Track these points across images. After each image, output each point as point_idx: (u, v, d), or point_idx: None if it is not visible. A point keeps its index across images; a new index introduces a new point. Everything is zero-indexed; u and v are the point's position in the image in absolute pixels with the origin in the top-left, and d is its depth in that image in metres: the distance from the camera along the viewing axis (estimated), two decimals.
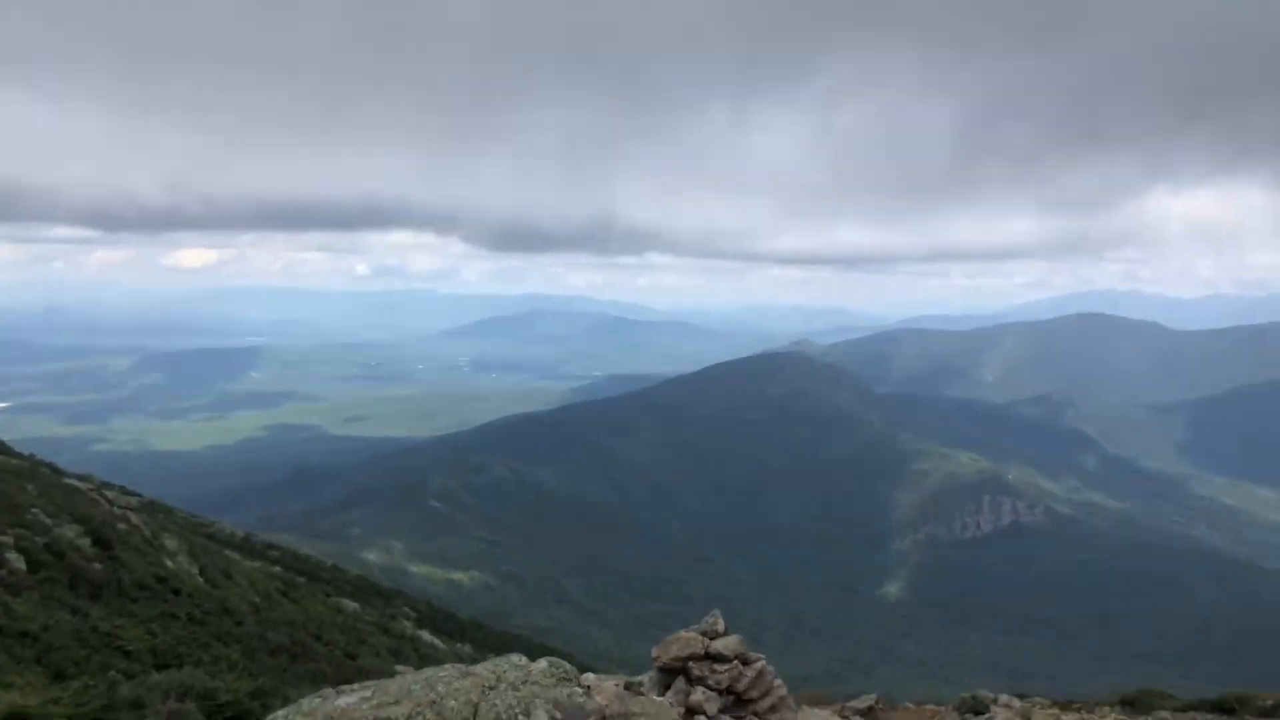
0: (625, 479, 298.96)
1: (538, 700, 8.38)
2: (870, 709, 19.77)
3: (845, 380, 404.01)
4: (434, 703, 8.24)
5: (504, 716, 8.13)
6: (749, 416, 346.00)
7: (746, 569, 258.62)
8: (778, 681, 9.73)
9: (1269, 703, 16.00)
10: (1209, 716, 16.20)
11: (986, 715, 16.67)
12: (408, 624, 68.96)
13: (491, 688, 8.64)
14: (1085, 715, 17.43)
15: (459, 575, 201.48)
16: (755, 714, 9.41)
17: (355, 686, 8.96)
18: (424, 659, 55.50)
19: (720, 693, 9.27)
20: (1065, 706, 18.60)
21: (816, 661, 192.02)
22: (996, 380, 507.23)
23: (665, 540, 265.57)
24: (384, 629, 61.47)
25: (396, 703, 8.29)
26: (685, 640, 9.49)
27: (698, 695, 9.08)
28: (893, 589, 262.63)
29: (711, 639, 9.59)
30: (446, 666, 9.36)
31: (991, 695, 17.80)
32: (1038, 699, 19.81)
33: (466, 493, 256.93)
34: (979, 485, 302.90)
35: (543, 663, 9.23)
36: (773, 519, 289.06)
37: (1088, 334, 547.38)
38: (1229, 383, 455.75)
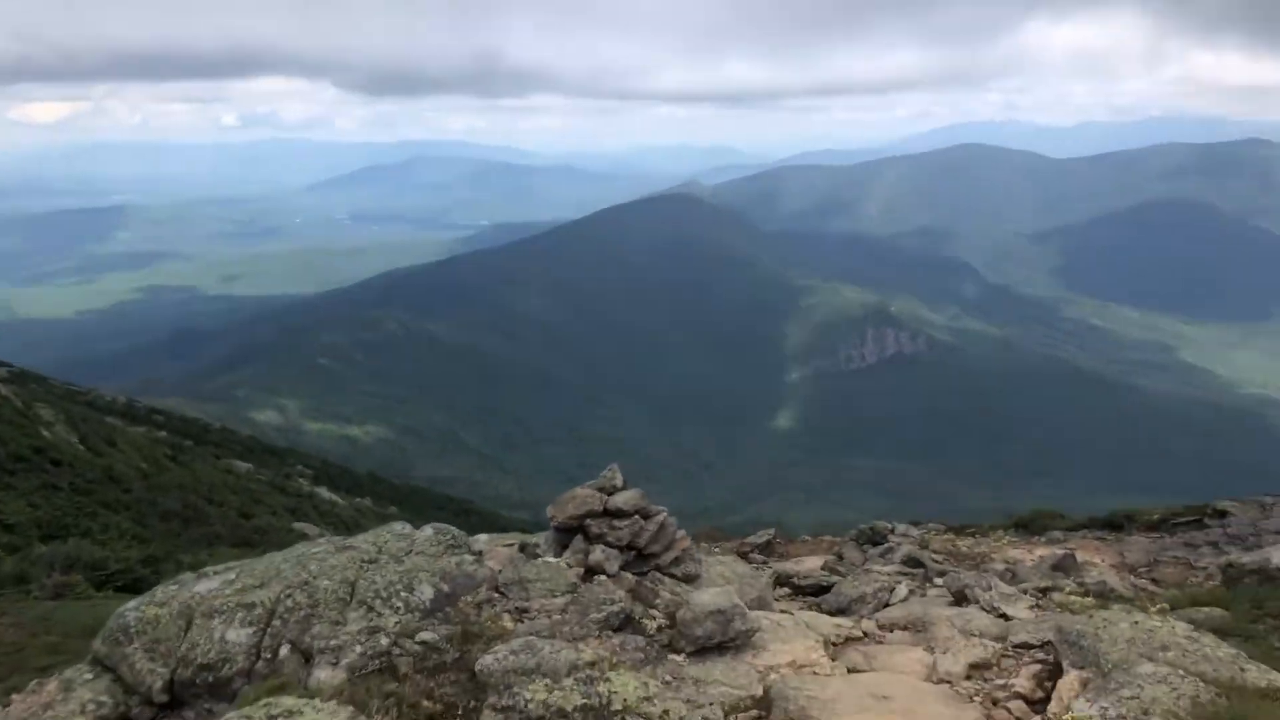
0: (516, 328, 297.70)
1: (422, 574, 7.68)
2: (769, 543, 19.80)
3: (733, 220, 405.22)
4: (305, 584, 7.47)
5: (384, 594, 7.41)
6: (638, 260, 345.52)
7: (641, 410, 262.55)
8: (680, 533, 9.19)
9: (1155, 517, 16.43)
10: (1098, 533, 16.59)
11: (884, 545, 16.78)
12: (304, 481, 68.35)
13: (371, 562, 7.90)
14: (980, 539, 17.71)
15: (355, 431, 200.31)
16: (658, 568, 8.89)
17: (218, 568, 8.13)
18: (323, 515, 55.04)
19: (621, 549, 8.69)
20: (960, 531, 18.92)
21: (711, 494, 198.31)
22: (880, 214, 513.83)
23: (560, 386, 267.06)
24: (279, 488, 60.73)
25: (262, 585, 7.51)
26: (582, 498, 8.83)
27: (597, 554, 8.48)
28: (782, 422, 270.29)
29: (610, 494, 8.96)
30: (321, 541, 8.57)
31: (888, 525, 17.92)
32: (932, 525, 20.13)
33: (356, 349, 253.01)
34: (863, 318, 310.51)
35: (428, 530, 8.52)
36: (665, 360, 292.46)
37: (968, 165, 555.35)
38: (1100, 209, 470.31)
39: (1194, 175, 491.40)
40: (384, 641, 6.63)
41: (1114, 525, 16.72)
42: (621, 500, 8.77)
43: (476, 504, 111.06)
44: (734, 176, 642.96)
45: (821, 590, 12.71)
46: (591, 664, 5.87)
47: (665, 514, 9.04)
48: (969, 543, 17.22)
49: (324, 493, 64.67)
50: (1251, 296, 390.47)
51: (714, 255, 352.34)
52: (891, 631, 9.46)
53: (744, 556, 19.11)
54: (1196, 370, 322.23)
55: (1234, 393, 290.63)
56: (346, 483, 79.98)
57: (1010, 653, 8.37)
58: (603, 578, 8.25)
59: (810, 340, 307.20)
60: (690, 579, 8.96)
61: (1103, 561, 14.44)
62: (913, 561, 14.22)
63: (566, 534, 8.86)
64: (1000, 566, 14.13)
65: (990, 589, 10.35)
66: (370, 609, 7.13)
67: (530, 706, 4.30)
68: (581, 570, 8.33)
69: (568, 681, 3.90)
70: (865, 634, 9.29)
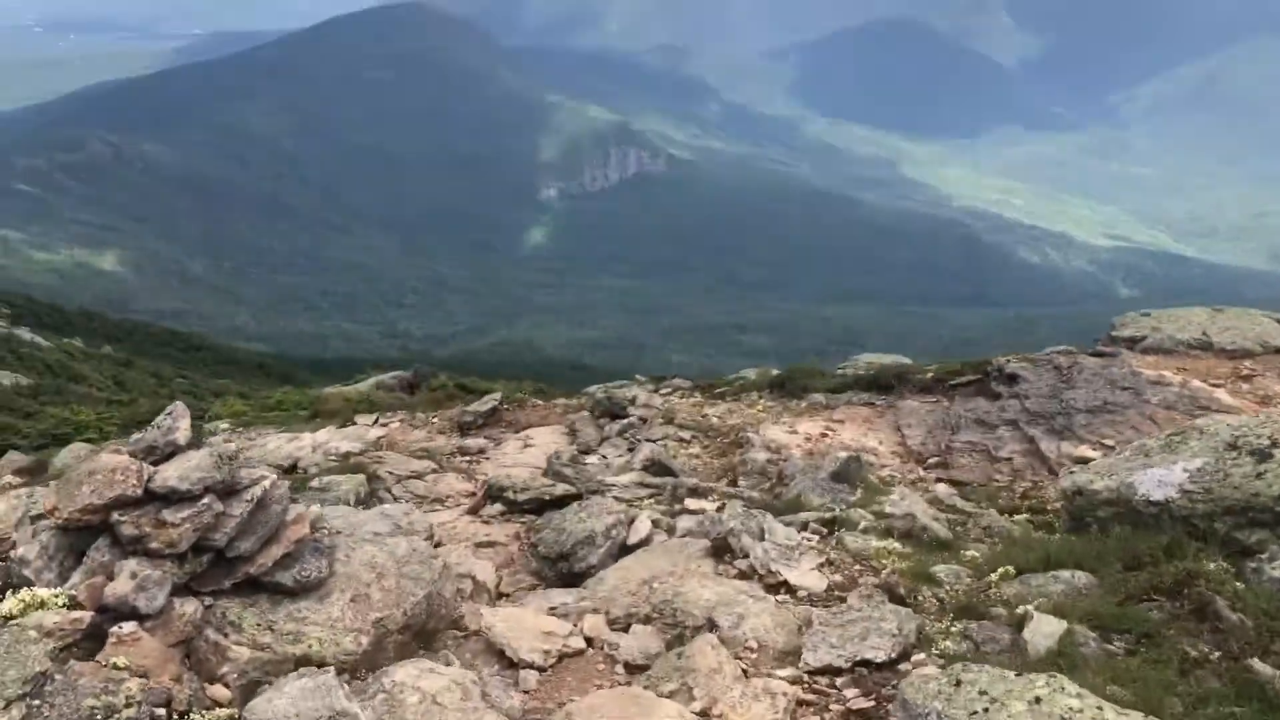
0: (243, 149, 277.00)
1: None
2: (494, 411, 16.78)
3: (472, 33, 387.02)
4: None
5: None
6: (372, 76, 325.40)
7: (384, 235, 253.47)
8: (294, 512, 5.40)
9: (929, 375, 14.49)
10: (866, 396, 14.53)
11: (624, 421, 14.12)
12: (1, 321, 61.72)
13: None
14: (732, 405, 15.34)
15: (63, 262, 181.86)
16: (252, 579, 5.23)
17: None
18: (22, 359, 47.91)
19: (179, 559, 4.89)
20: (708, 391, 16.51)
21: (461, 318, 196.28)
22: (622, 29, 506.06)
23: (294, 212, 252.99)
24: None
25: None
26: (107, 472, 4.89)
27: (123, 579, 4.58)
28: (529, 244, 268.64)
29: (161, 461, 5.06)
30: None
31: (629, 394, 15.20)
32: (676, 382, 17.64)
33: (60, 173, 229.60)
34: (607, 137, 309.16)
35: None
36: (407, 182, 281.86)
37: None
38: (833, 25, 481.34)
39: None
40: None
41: (883, 386, 14.66)
42: (177, 474, 4.89)
43: (209, 338, 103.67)
44: None
45: (545, 506, 9.82)
46: None
47: (268, 482, 5.31)
48: (720, 411, 14.78)
49: (24, 334, 57.13)
50: (963, 115, 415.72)
51: (453, 70, 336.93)
52: (628, 631, 6.51)
53: (463, 430, 16.12)
54: (915, 184, 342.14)
55: (947, 206, 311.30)
56: (54, 321, 72.02)
57: (809, 694, 5.58)
58: (129, 628, 4.61)
59: (555, 161, 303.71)
60: (308, 589, 5.34)
61: (882, 446, 12.26)
62: (658, 467, 11.51)
63: (87, 535, 5.04)
64: (762, 456, 11.68)
65: (763, 536, 7.64)
66: None
67: None
68: (90, 616, 4.63)
69: None
70: (590, 641, 6.28)
